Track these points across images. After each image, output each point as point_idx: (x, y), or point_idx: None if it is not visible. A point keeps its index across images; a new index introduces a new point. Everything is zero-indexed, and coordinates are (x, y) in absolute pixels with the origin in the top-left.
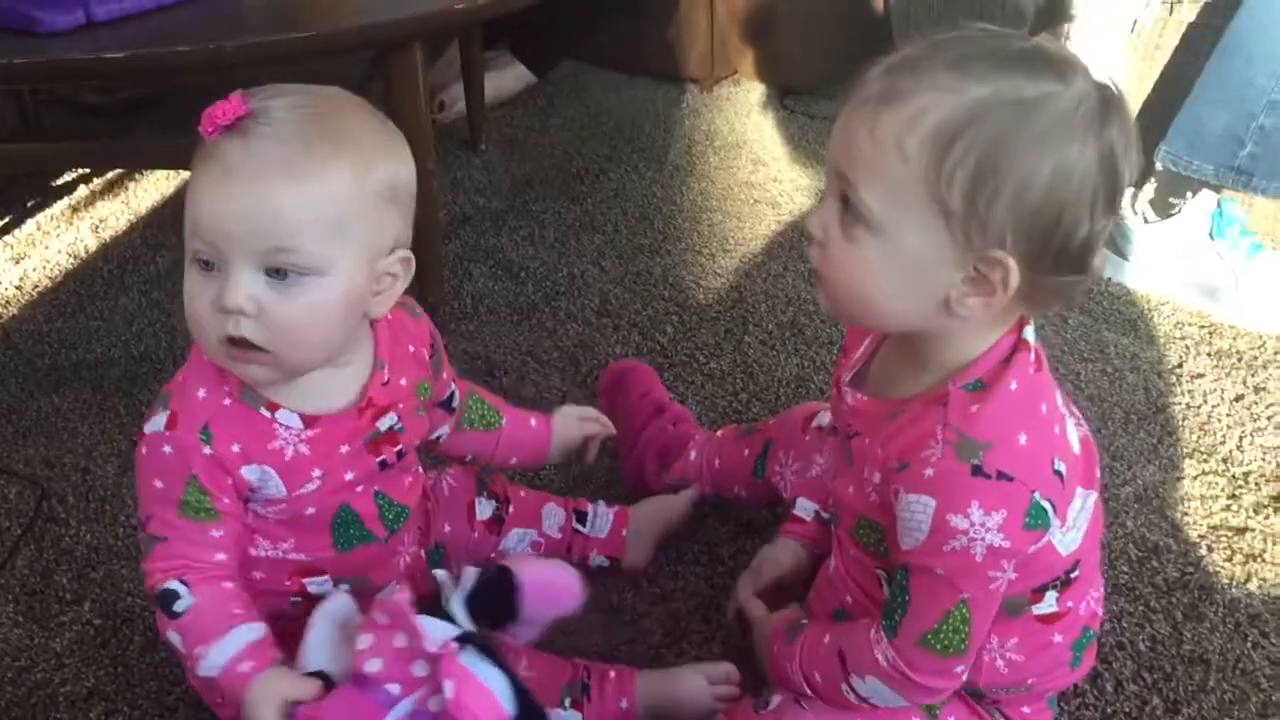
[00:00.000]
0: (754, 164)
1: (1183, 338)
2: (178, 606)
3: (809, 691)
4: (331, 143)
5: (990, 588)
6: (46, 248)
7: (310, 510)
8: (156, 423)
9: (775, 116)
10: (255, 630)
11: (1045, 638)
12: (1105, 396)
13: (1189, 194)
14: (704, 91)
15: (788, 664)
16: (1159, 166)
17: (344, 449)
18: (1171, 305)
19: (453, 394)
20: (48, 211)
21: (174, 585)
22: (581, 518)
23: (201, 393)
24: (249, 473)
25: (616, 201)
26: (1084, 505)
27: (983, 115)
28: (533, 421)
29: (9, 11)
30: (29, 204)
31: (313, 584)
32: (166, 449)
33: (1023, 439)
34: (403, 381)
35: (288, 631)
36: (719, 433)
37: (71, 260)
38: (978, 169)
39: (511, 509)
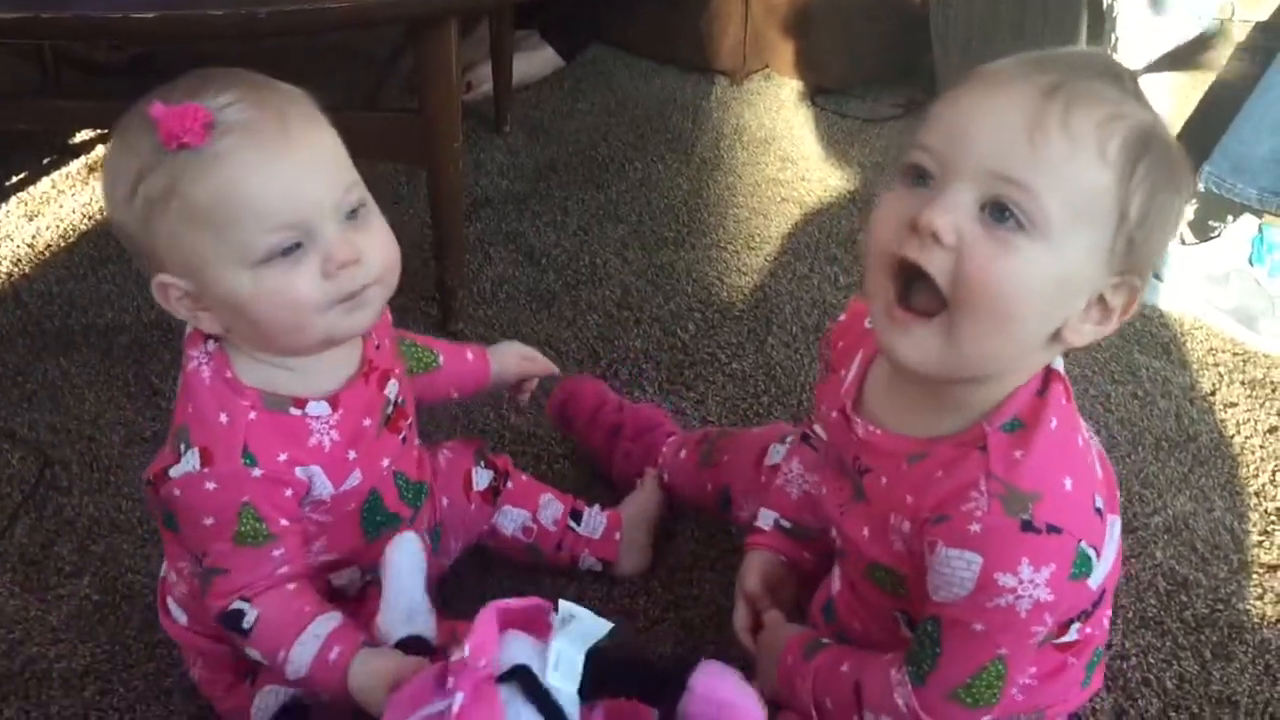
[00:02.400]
0: (782, 161)
1: (1216, 364)
2: (245, 623)
3: (814, 715)
4: (305, 107)
5: (1030, 643)
6: (60, 206)
7: (351, 506)
8: (188, 463)
9: (806, 114)
10: (332, 619)
11: (1060, 662)
12: (1136, 421)
13: (1230, 217)
14: (734, 85)
15: (799, 681)
16: (1200, 187)
17: (366, 422)
18: (1205, 330)
19: None
20: (63, 170)
21: (236, 605)
22: (577, 516)
23: (224, 417)
24: (301, 474)
25: (641, 191)
26: (1112, 534)
27: (1155, 130)
28: (469, 355)
29: None
30: (45, 161)
31: (337, 577)
32: (209, 485)
33: (1068, 484)
34: (387, 342)
35: None
36: (681, 452)
37: (85, 221)
38: (1154, 185)
39: (510, 485)
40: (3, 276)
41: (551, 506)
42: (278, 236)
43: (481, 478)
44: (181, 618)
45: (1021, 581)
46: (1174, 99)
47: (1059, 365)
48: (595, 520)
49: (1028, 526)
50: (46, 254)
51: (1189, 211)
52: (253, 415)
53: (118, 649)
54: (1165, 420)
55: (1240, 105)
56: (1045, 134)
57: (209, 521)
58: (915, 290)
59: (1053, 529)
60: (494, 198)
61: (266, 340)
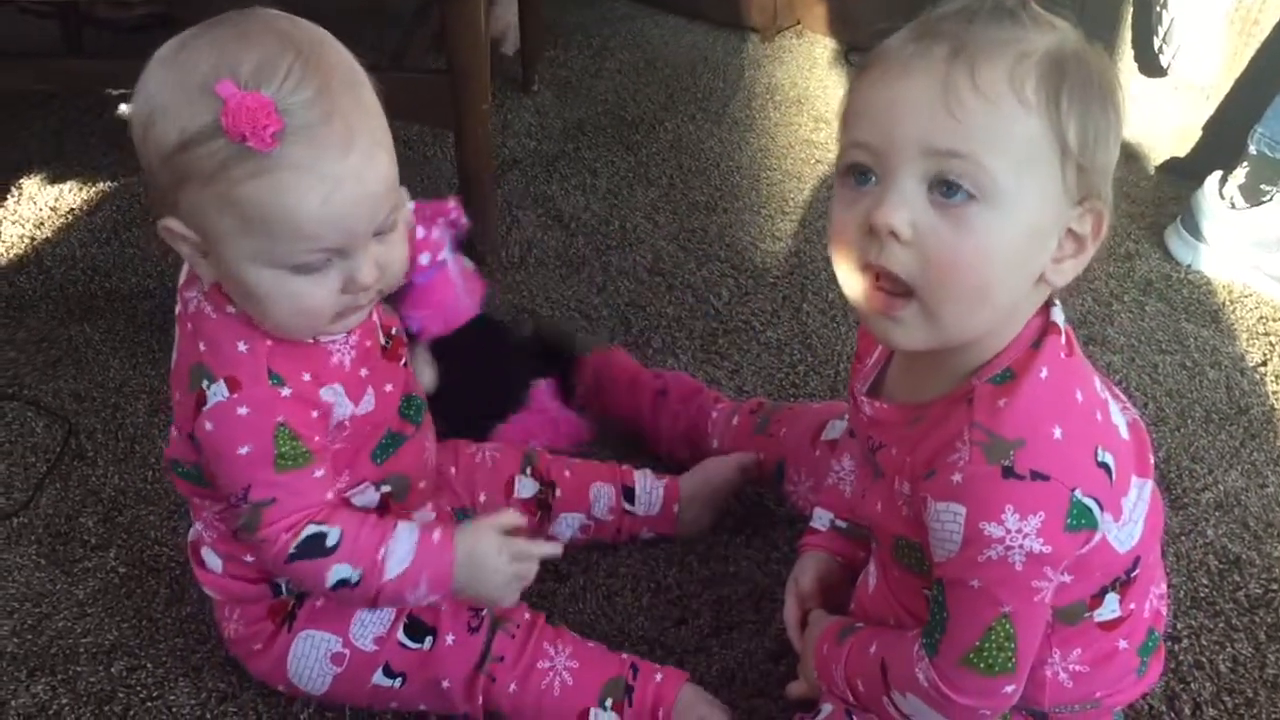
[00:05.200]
0: (816, 122)
1: (1267, 334)
2: (330, 541)
3: (852, 699)
4: (372, 115)
5: (1035, 599)
6: (84, 168)
7: (368, 430)
8: (216, 394)
9: (839, 73)
10: (414, 522)
11: (1110, 645)
12: (1185, 393)
13: None
14: (765, 42)
15: (834, 666)
16: (1252, 150)
17: (368, 343)
18: (1255, 298)
19: None
20: (87, 132)
21: (313, 529)
22: (629, 494)
23: (242, 345)
24: (326, 395)
25: (672, 154)
26: (1140, 496)
27: (1064, 58)
28: None
29: None
30: (68, 123)
31: (356, 496)
32: (242, 410)
33: (1057, 432)
34: None
35: None
36: (734, 419)
37: (109, 184)
38: (1083, 105)
39: (560, 493)
40: (25, 241)
41: (603, 496)
42: (315, 256)
43: (525, 487)
44: (217, 564)
45: (1009, 531)
46: (1225, 58)
47: (1059, 319)
48: (651, 495)
49: (1009, 473)
50: (69, 217)
51: (1240, 175)
52: (269, 343)
53: (145, 623)
54: (1215, 392)
55: None
56: (961, 101)
57: (245, 450)
58: (887, 278)
59: (1038, 475)
60: (522, 159)
61: (259, 318)
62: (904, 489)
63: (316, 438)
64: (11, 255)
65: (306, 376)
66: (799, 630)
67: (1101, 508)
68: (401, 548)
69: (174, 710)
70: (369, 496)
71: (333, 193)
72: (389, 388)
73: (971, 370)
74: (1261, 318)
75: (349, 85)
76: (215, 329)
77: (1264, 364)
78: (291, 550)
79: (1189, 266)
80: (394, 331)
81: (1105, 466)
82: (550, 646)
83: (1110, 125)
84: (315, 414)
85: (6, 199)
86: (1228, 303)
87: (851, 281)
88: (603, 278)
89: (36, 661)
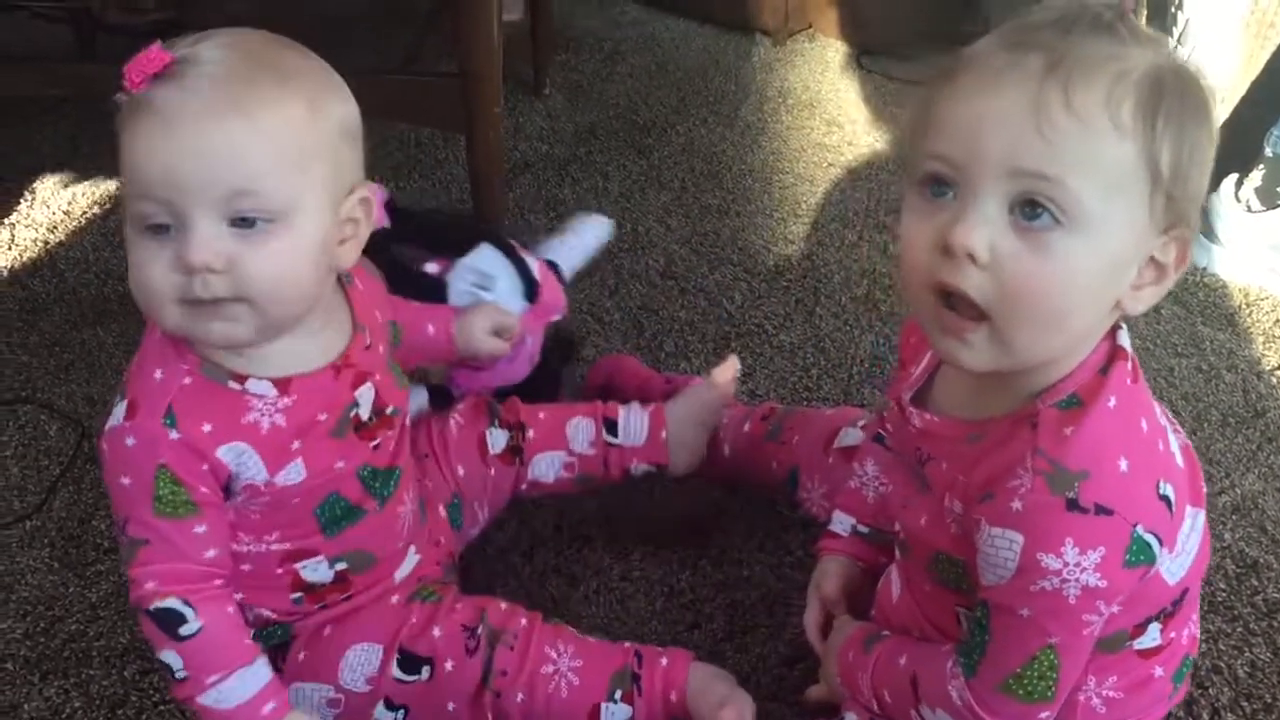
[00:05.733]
0: (828, 125)
1: None
2: (184, 630)
3: (877, 708)
4: (275, 75)
5: (1084, 632)
6: (96, 172)
7: (296, 500)
8: (116, 414)
9: (851, 76)
10: (268, 667)
11: (1146, 672)
12: (1201, 396)
13: None
14: (776, 45)
15: (860, 674)
16: (1269, 153)
17: (321, 416)
18: (1272, 300)
19: None
20: (99, 135)
21: (175, 604)
22: (612, 426)
23: (158, 374)
24: (225, 454)
25: (684, 157)
26: (1194, 526)
27: (1164, 77)
28: (430, 329)
29: None
30: (81, 126)
31: (307, 569)
32: (129, 440)
33: (1123, 464)
34: (381, 349)
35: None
36: (745, 425)
37: (122, 187)
38: (1180, 127)
39: (531, 434)
40: (39, 244)
41: (582, 430)
42: (146, 206)
43: (497, 439)
44: None
45: (1067, 564)
46: (1240, 61)
47: (1126, 343)
48: (635, 423)
49: (1073, 506)
50: (82, 221)
51: (1256, 177)
52: (187, 380)
53: None
54: (1231, 395)
55: None
56: (1053, 123)
57: (126, 481)
58: (959, 300)
59: (1102, 510)
60: (534, 163)
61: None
62: (955, 507)
63: (203, 488)
64: (25, 259)
65: (207, 427)
66: (820, 635)
67: (1161, 543)
68: (234, 689)
69: (186, 714)
70: (321, 574)
71: (173, 130)
72: (340, 465)
73: (1036, 391)
74: (1278, 320)
75: (278, 80)
76: (150, 348)
77: None
78: (149, 608)
79: (1204, 269)
80: (388, 411)
81: (1166, 499)
82: (551, 649)
83: (1204, 148)
84: (205, 468)
85: (20, 203)
86: (1244, 305)
87: (920, 298)
88: (615, 281)
89: (49, 665)
